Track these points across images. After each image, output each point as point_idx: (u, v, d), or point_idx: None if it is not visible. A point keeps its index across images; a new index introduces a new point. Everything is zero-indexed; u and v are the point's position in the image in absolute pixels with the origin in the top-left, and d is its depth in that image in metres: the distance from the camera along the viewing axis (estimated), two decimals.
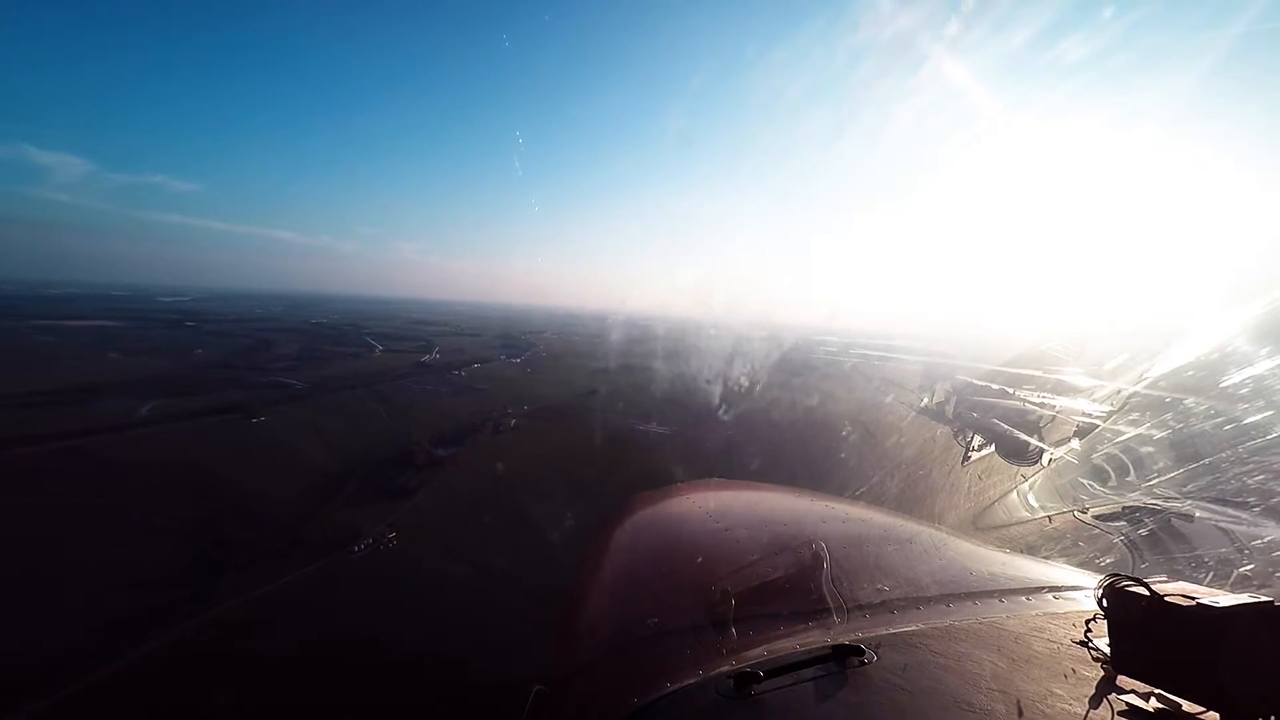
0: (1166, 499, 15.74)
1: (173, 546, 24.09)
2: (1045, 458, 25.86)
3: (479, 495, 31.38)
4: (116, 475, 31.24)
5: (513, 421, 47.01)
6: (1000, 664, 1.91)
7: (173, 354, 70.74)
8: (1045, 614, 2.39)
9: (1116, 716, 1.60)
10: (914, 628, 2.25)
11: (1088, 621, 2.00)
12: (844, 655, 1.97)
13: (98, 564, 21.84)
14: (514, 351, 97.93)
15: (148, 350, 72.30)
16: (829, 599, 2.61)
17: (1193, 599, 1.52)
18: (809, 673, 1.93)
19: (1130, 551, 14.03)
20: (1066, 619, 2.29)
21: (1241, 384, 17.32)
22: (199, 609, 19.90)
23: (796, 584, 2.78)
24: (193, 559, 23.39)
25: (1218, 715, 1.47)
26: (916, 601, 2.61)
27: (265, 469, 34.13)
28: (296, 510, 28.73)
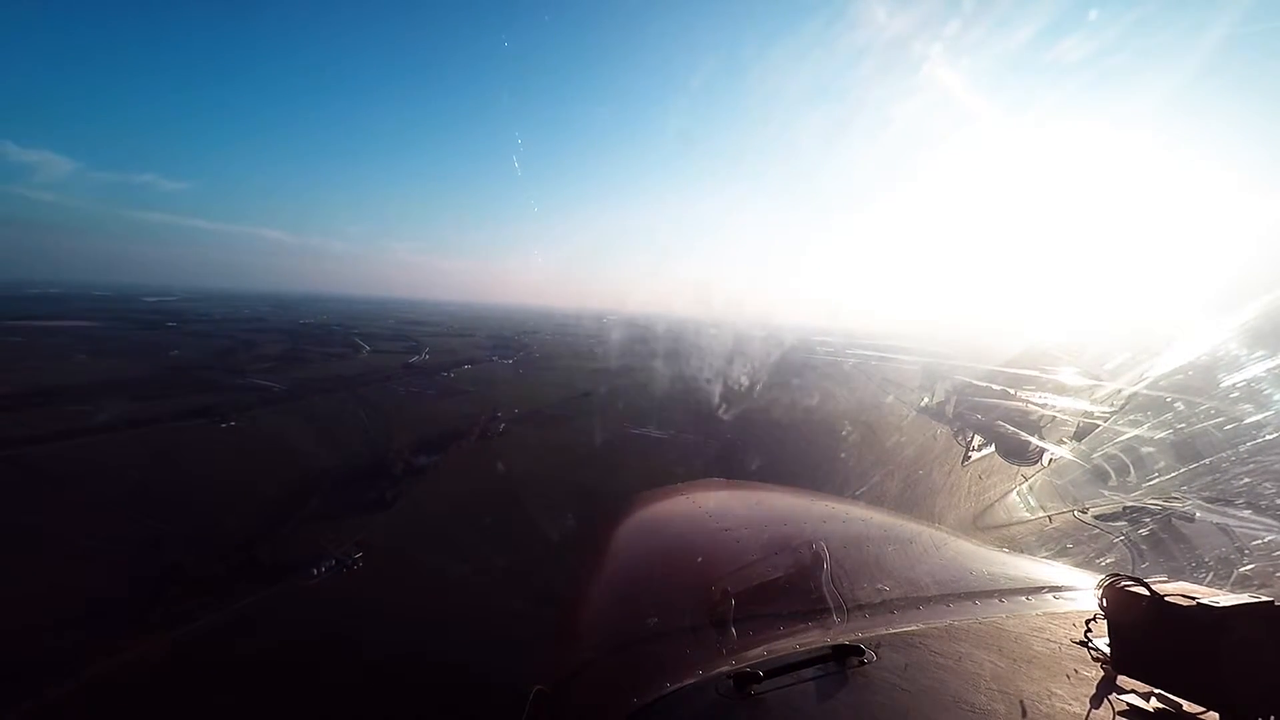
0: (1166, 499, 15.75)
1: (98, 573, 21.22)
2: (1045, 458, 25.87)
3: (460, 509, 29.17)
4: (53, 488, 28.72)
5: (501, 426, 44.91)
6: (1000, 664, 1.91)
7: (146, 355, 67.97)
8: (1045, 614, 2.39)
9: (1117, 716, 1.60)
10: (914, 628, 2.25)
11: (1088, 621, 2.00)
12: (844, 655, 1.97)
13: None
14: (506, 352, 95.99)
15: (120, 351, 69.61)
16: (829, 599, 2.61)
17: (1193, 599, 1.52)
18: (809, 673, 1.93)
19: (1130, 551, 14.04)
20: (1066, 619, 2.29)
21: (1240, 385, 17.32)
22: (110, 650, 17.23)
23: (796, 584, 2.78)
24: (116, 589, 20.56)
25: (1218, 715, 1.47)
26: (916, 601, 2.61)
27: (225, 480, 31.77)
28: (254, 527, 26.18)
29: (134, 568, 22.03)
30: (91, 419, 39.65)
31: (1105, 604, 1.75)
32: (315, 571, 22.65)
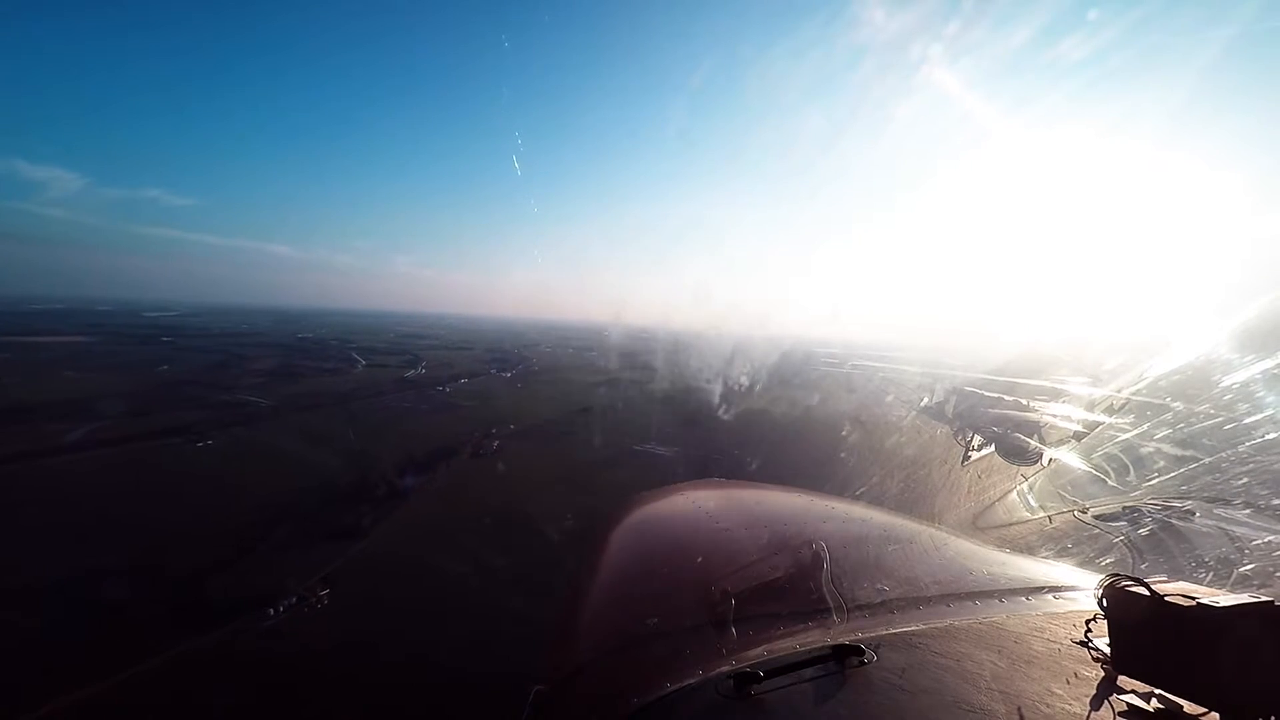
0: (1166, 499, 15.75)
1: (18, 616, 18.96)
2: (1045, 458, 25.90)
3: (443, 536, 27.00)
4: (1, 513, 26.59)
5: (495, 443, 43.19)
6: (1000, 664, 1.91)
7: (134, 371, 66.94)
8: (1045, 614, 2.39)
9: (1117, 717, 1.60)
10: (914, 628, 2.25)
11: (1088, 621, 2.00)
12: (844, 655, 1.96)
13: None
14: (505, 366, 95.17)
15: (109, 367, 68.49)
16: (829, 599, 2.61)
17: (1193, 599, 1.52)
18: (809, 673, 1.93)
19: (1130, 551, 14.03)
20: (1066, 619, 2.29)
21: (1238, 385, 17.36)
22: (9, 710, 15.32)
23: (796, 584, 2.78)
24: (34, 636, 18.25)
25: (1218, 715, 1.47)
26: (916, 601, 2.61)
27: (191, 504, 29.71)
28: (213, 559, 23.62)
29: (63, 608, 19.76)
30: (61, 438, 37.96)
31: (1105, 604, 1.74)
32: (272, 611, 20.30)
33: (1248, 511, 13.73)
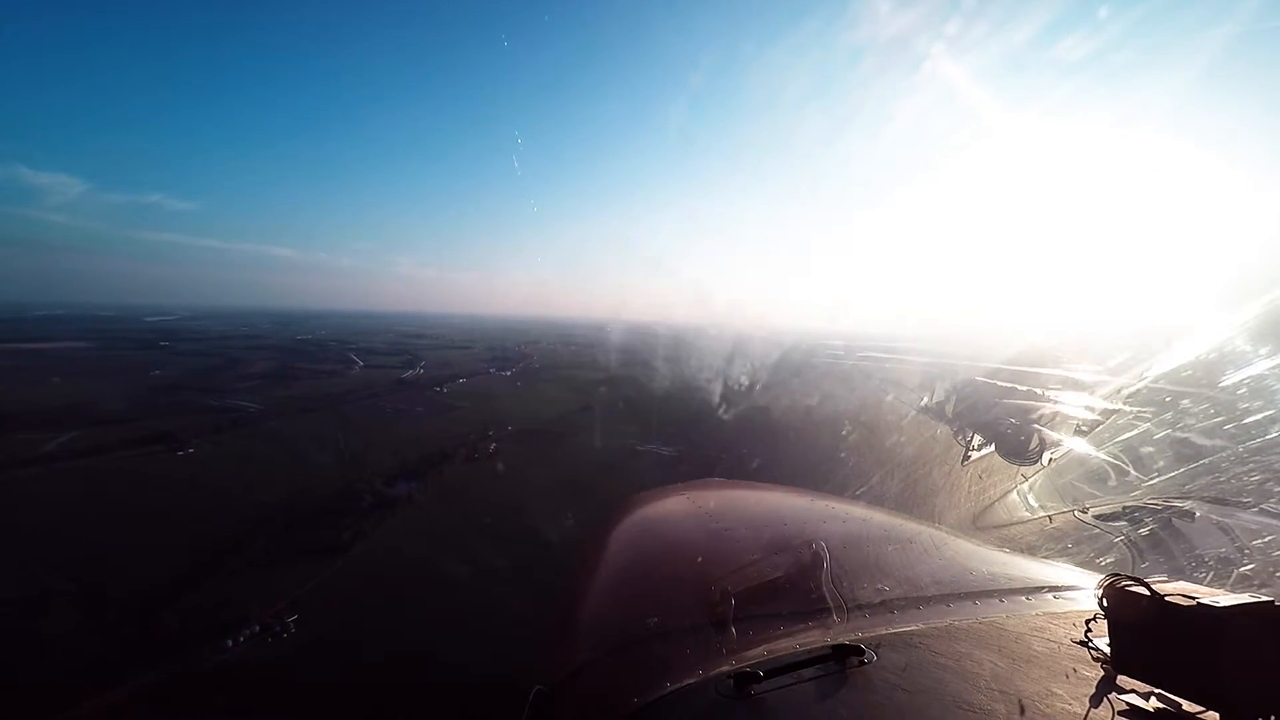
0: (1167, 498, 15.73)
1: None
2: (1046, 457, 25.86)
3: (430, 552, 24.88)
4: None
5: (492, 446, 41.81)
6: (1000, 664, 1.91)
7: (126, 376, 65.71)
8: (1045, 614, 2.39)
9: (1117, 716, 1.61)
10: (914, 628, 2.25)
11: (1088, 621, 2.00)
12: (844, 655, 1.97)
13: None
14: (505, 364, 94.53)
15: (100, 373, 67.29)
16: (829, 599, 2.61)
17: (1193, 599, 1.52)
18: (809, 673, 1.93)
19: (1130, 551, 14.01)
20: (1066, 619, 2.29)
21: (1242, 383, 17.33)
22: None
23: (796, 584, 2.78)
24: None
25: (1218, 715, 1.47)
26: (916, 601, 2.61)
27: (160, 520, 27.64)
28: (174, 582, 21.60)
29: None
30: (36, 449, 36.24)
31: (1105, 604, 1.75)
32: (230, 643, 18.30)
33: (1249, 511, 13.71)
